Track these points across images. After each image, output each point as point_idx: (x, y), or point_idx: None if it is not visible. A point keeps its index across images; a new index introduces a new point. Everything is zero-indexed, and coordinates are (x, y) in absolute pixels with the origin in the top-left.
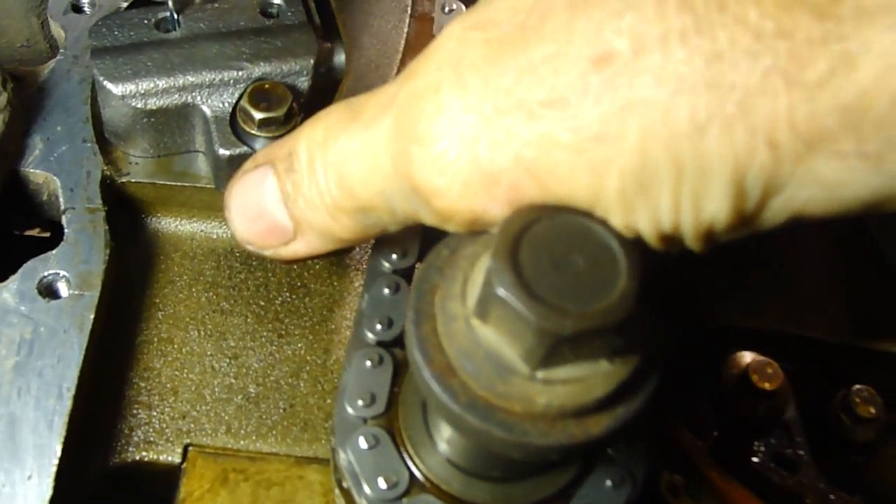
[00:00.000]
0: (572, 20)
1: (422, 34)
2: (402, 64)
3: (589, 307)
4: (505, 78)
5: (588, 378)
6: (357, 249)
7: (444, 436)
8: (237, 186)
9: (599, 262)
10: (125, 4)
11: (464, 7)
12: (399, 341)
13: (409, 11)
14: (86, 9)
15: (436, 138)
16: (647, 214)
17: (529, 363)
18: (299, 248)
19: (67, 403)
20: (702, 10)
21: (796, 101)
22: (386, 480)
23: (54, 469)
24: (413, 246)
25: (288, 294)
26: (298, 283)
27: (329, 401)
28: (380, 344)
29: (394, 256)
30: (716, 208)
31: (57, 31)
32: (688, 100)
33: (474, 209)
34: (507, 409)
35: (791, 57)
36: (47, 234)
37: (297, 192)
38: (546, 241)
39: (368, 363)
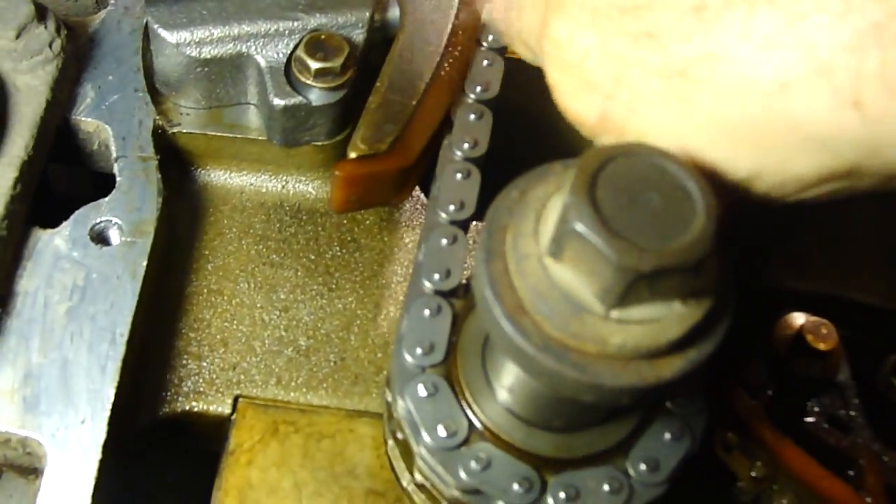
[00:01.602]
0: None
1: None
2: (457, 18)
3: (668, 245)
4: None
5: (662, 319)
6: (406, 206)
7: (506, 384)
8: None
9: (676, 201)
10: None
11: None
12: (457, 291)
13: None
14: None
15: (564, 39)
16: (728, 161)
17: (605, 302)
18: (509, 44)
19: (121, 349)
20: None
21: (891, 60)
22: (445, 428)
23: (108, 413)
24: (471, 198)
25: (338, 248)
26: (349, 238)
27: (380, 355)
28: (438, 293)
29: (451, 208)
30: (800, 167)
31: None
32: (769, 57)
33: (572, 112)
34: (580, 350)
35: (888, 16)
36: None
37: (509, 7)
38: (623, 179)
39: (427, 312)
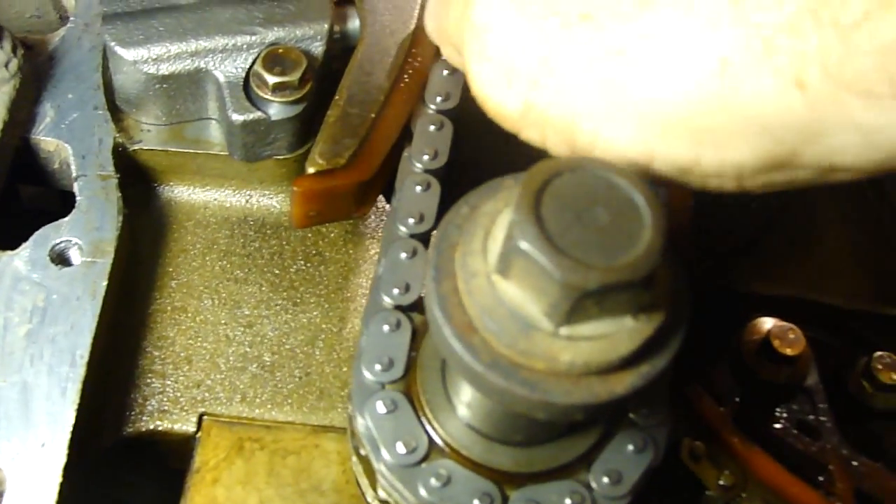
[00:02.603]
0: None
1: None
2: (417, 29)
3: (614, 261)
4: None
5: (613, 335)
6: (371, 217)
7: (465, 400)
8: None
9: (623, 216)
10: None
11: None
12: (416, 306)
13: None
14: None
15: (486, 24)
16: (664, 146)
17: (553, 319)
18: (445, 54)
19: (81, 371)
20: None
21: (828, 42)
22: (405, 445)
23: (68, 436)
24: (431, 210)
25: (303, 262)
26: (313, 251)
27: (345, 369)
28: (397, 308)
29: (411, 221)
30: (739, 154)
31: None
32: (713, 35)
33: (493, 104)
34: (529, 367)
35: (822, 1)
36: None
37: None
38: (568, 195)
39: (386, 327)
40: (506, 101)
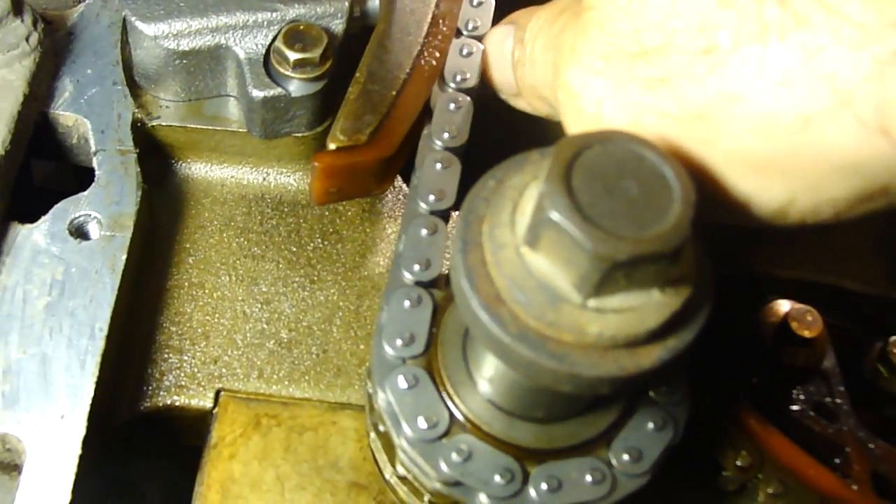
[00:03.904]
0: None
1: None
2: (438, 8)
3: (645, 232)
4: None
5: (640, 308)
6: (388, 196)
7: (486, 375)
8: (491, 34)
9: (653, 188)
10: None
11: None
12: (437, 282)
13: None
14: None
15: (578, 88)
16: (760, 192)
17: (582, 291)
18: (523, 106)
19: (100, 343)
20: (799, 4)
21: None
22: (426, 420)
23: (87, 409)
24: (451, 188)
25: (320, 240)
26: (331, 230)
27: (362, 346)
28: (418, 284)
29: (431, 198)
30: (833, 192)
31: None
32: (788, 92)
33: None
34: (557, 340)
35: None
36: None
37: (520, 63)
38: (599, 167)
39: (407, 303)
40: None
